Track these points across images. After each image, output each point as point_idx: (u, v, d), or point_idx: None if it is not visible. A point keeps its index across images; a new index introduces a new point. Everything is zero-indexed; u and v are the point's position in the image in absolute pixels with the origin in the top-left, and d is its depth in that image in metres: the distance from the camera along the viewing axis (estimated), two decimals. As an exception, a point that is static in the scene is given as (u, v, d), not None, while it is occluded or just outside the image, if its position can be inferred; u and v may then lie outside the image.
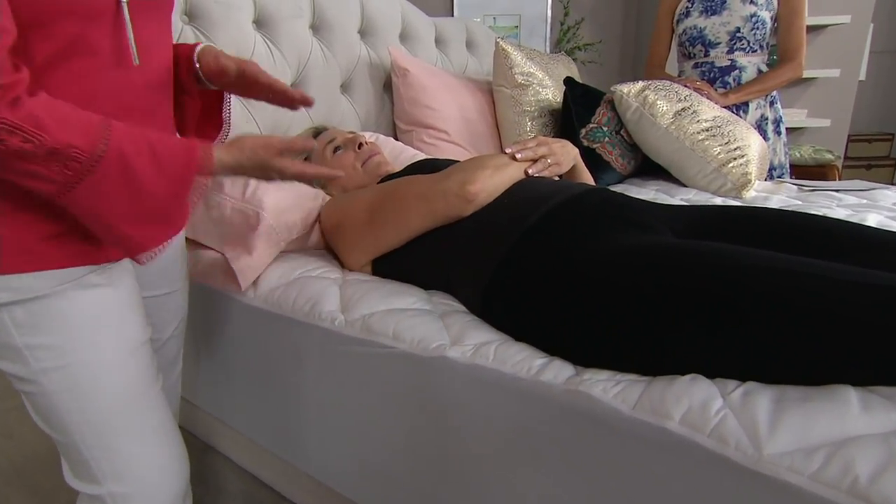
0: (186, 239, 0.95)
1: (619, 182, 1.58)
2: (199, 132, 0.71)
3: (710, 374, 0.56)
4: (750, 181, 1.39)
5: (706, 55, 1.74)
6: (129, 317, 0.60)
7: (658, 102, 1.46)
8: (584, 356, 0.63)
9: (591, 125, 1.53)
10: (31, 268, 0.53)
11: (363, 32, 1.50)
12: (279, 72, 1.22)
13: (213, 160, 0.55)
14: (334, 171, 0.67)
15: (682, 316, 0.57)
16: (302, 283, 0.83)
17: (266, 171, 0.59)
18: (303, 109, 1.30)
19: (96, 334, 0.57)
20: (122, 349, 0.59)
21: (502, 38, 1.61)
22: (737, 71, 1.71)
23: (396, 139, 1.46)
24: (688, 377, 0.56)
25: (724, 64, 1.72)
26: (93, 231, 0.53)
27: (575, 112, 1.52)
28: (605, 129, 1.53)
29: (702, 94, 1.61)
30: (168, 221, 0.53)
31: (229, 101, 0.68)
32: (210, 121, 0.70)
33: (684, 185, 1.49)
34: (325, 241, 0.97)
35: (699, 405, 0.52)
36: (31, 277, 0.54)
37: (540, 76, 1.59)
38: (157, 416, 0.62)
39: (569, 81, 1.55)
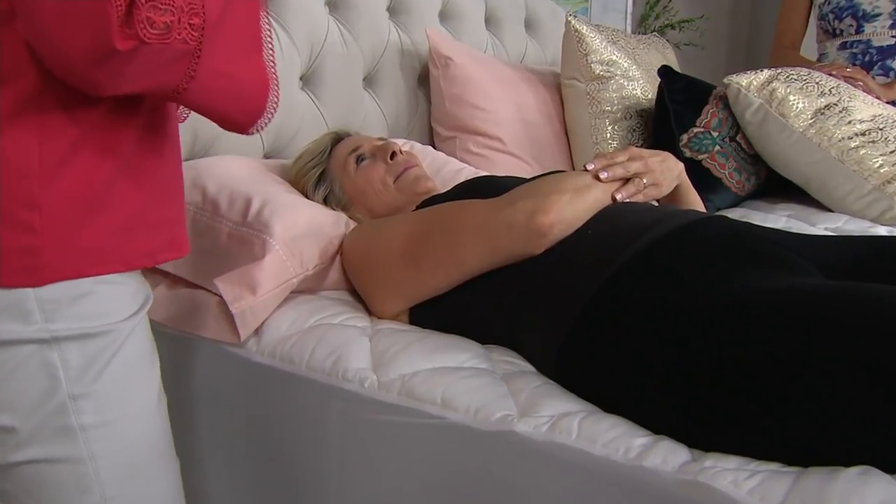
0: (167, 275, 1.02)
1: (736, 205, 1.60)
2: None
3: (889, 467, 0.57)
4: (926, 204, 1.40)
5: (859, 31, 1.77)
6: (156, 355, 0.70)
7: (791, 97, 1.50)
8: (703, 436, 0.65)
9: (696, 130, 1.57)
10: (99, 270, 0.60)
11: (393, 10, 1.60)
12: (286, 60, 1.32)
13: None
14: None
15: (848, 385, 0.58)
16: (321, 333, 0.88)
17: None
18: (316, 108, 1.39)
19: (140, 378, 0.67)
20: (154, 395, 0.69)
21: (573, 15, 1.69)
22: (905, 52, 1.73)
23: (435, 148, 1.53)
24: (855, 470, 0.57)
25: (885, 43, 1.74)
26: (220, 106, 0.61)
27: (674, 112, 1.57)
28: (714, 134, 1.57)
29: (855, 85, 1.63)
30: (259, 42, 0.62)
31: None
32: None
33: (829, 210, 1.50)
34: (347, 279, 1.02)
35: (874, 509, 0.53)
36: (107, 297, 0.61)
37: (625, 65, 1.65)
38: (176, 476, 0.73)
39: (665, 71, 1.60)
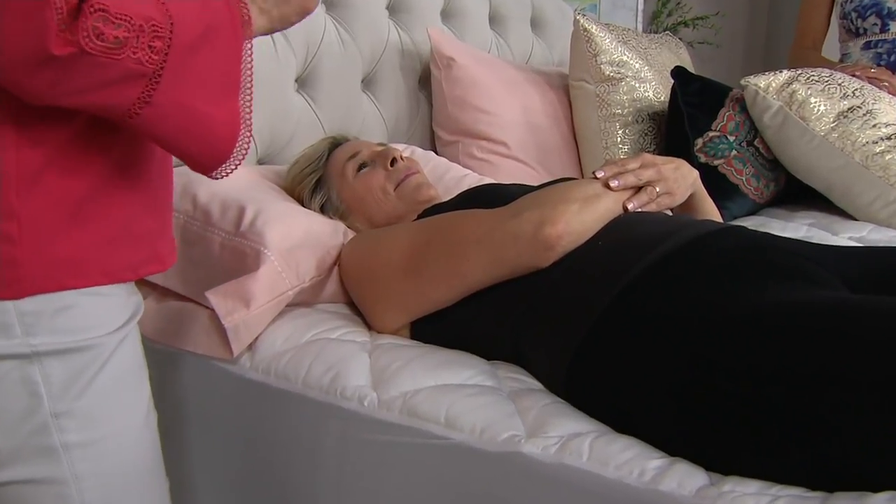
0: (156, 287, 1.03)
1: (754, 213, 1.61)
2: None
3: None
4: (955, 212, 1.40)
5: (884, 30, 1.78)
6: (146, 369, 0.70)
7: (812, 100, 1.50)
8: (722, 458, 0.65)
9: (712, 134, 1.58)
10: (81, 282, 0.61)
11: (393, 8, 1.61)
12: (281, 61, 1.33)
13: None
14: None
15: (872, 405, 0.59)
16: (318, 348, 0.88)
17: None
18: (312, 111, 1.40)
19: (127, 394, 0.67)
20: (143, 412, 0.69)
21: (582, 14, 1.70)
22: (933, 52, 1.74)
23: (437, 153, 1.54)
24: (884, 496, 0.57)
25: None
26: (178, 142, 0.61)
27: (688, 115, 1.58)
28: (731, 138, 1.58)
29: (880, 87, 1.64)
30: (236, 84, 0.62)
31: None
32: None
33: (853, 218, 1.50)
34: (346, 292, 1.03)
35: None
36: (92, 310, 0.62)
37: (636, 66, 1.67)
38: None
39: (679, 72, 1.62)
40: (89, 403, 0.63)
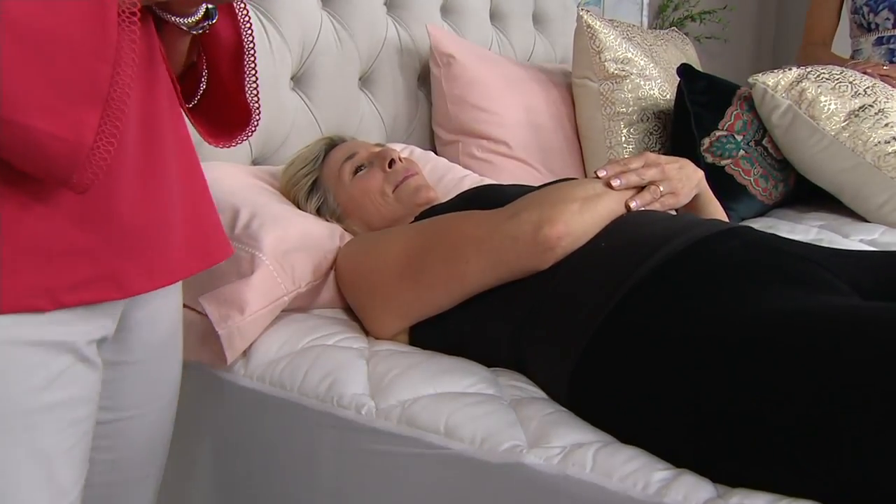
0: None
1: (762, 215, 1.61)
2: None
3: None
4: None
5: (898, 25, 1.78)
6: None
7: (822, 98, 1.51)
8: (729, 469, 0.65)
9: (719, 133, 1.58)
10: None
11: (391, 4, 1.61)
12: (276, 58, 1.34)
13: None
14: None
15: (887, 416, 0.59)
16: (314, 355, 0.89)
17: None
18: (308, 111, 1.40)
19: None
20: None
21: (585, 9, 1.71)
22: (947, 49, 1.74)
23: (436, 154, 1.54)
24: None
25: None
26: (4, 154, 0.51)
27: (694, 114, 1.58)
28: (738, 138, 1.58)
29: (892, 85, 1.64)
30: (97, 90, 0.52)
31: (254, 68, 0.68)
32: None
33: (864, 220, 1.51)
34: (342, 297, 1.03)
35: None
36: None
37: (641, 63, 1.67)
38: None
39: (685, 70, 1.62)
40: None
